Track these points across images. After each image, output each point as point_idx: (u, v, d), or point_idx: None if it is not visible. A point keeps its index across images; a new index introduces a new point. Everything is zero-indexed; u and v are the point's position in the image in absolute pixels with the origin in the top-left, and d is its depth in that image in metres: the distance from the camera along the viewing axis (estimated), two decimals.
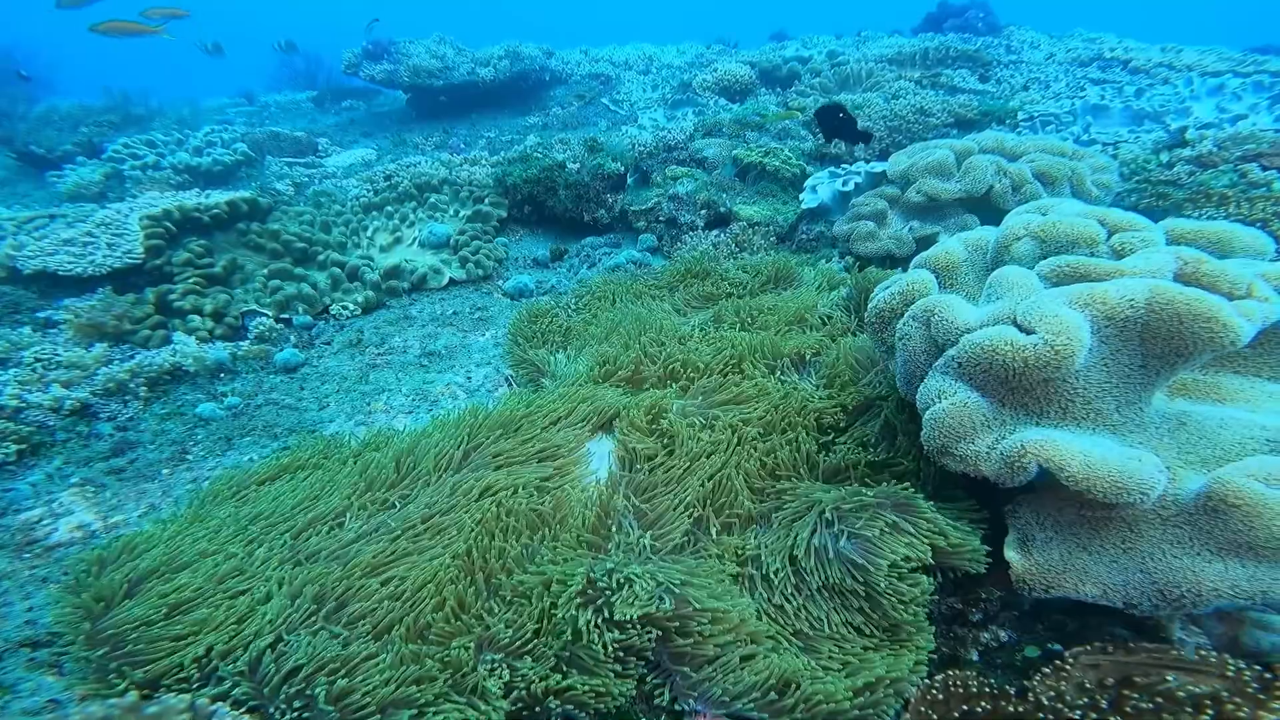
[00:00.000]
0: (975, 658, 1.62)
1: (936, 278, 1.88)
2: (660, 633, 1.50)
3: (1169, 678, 1.41)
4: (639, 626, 1.48)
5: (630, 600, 1.49)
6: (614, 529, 1.82)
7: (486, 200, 4.84)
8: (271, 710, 1.35)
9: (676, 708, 1.47)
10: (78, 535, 2.25)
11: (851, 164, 4.64)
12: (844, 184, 4.15)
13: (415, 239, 4.50)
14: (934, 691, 1.50)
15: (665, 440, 2.11)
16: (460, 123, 7.81)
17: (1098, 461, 1.35)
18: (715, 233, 4.36)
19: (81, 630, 1.49)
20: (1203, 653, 1.47)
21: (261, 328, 3.57)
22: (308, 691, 1.36)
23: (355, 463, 2.13)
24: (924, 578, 1.59)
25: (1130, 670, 1.45)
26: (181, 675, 1.44)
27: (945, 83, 6.60)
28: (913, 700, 1.49)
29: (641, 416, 2.19)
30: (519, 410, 2.25)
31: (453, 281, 4.19)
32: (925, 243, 3.46)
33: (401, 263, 4.17)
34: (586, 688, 1.43)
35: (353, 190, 5.15)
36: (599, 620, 1.49)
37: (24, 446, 2.68)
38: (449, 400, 3.00)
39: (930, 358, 1.67)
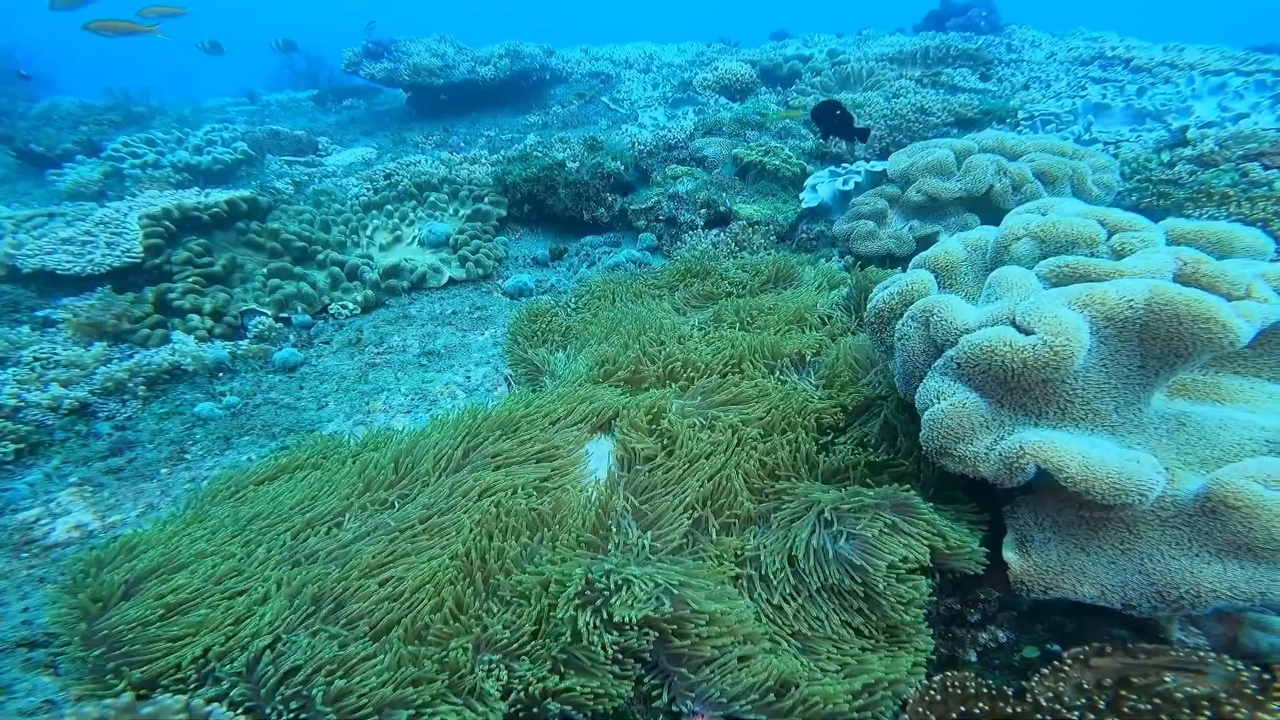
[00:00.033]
0: (973, 658, 1.62)
1: (936, 278, 1.87)
2: (658, 634, 1.50)
3: (1167, 679, 1.40)
4: (637, 628, 1.48)
5: (629, 602, 1.49)
6: (613, 529, 1.82)
7: (486, 199, 4.83)
8: (268, 711, 1.34)
9: (674, 709, 1.47)
10: (75, 535, 2.25)
11: (852, 163, 4.63)
12: (844, 183, 4.14)
13: (415, 238, 4.50)
14: (932, 692, 1.49)
15: (665, 441, 2.11)
16: (460, 121, 7.80)
17: (1096, 463, 1.35)
18: (715, 232, 4.35)
19: (78, 631, 1.49)
20: (1201, 654, 1.47)
21: (261, 327, 3.57)
22: (304, 692, 1.36)
23: (354, 463, 2.12)
24: (922, 579, 1.59)
25: (1128, 671, 1.44)
26: (179, 676, 1.44)
27: (946, 81, 6.59)
28: (911, 701, 1.49)
29: (641, 417, 2.18)
30: (518, 410, 2.24)
31: (452, 280, 4.19)
32: (925, 242, 3.46)
33: (401, 262, 4.17)
34: (585, 689, 1.42)
35: (352, 189, 5.15)
36: (597, 621, 1.48)
37: (22, 446, 2.68)
38: (448, 400, 3.00)
39: (929, 358, 1.67)
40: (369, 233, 4.49)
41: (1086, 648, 1.50)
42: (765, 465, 2.02)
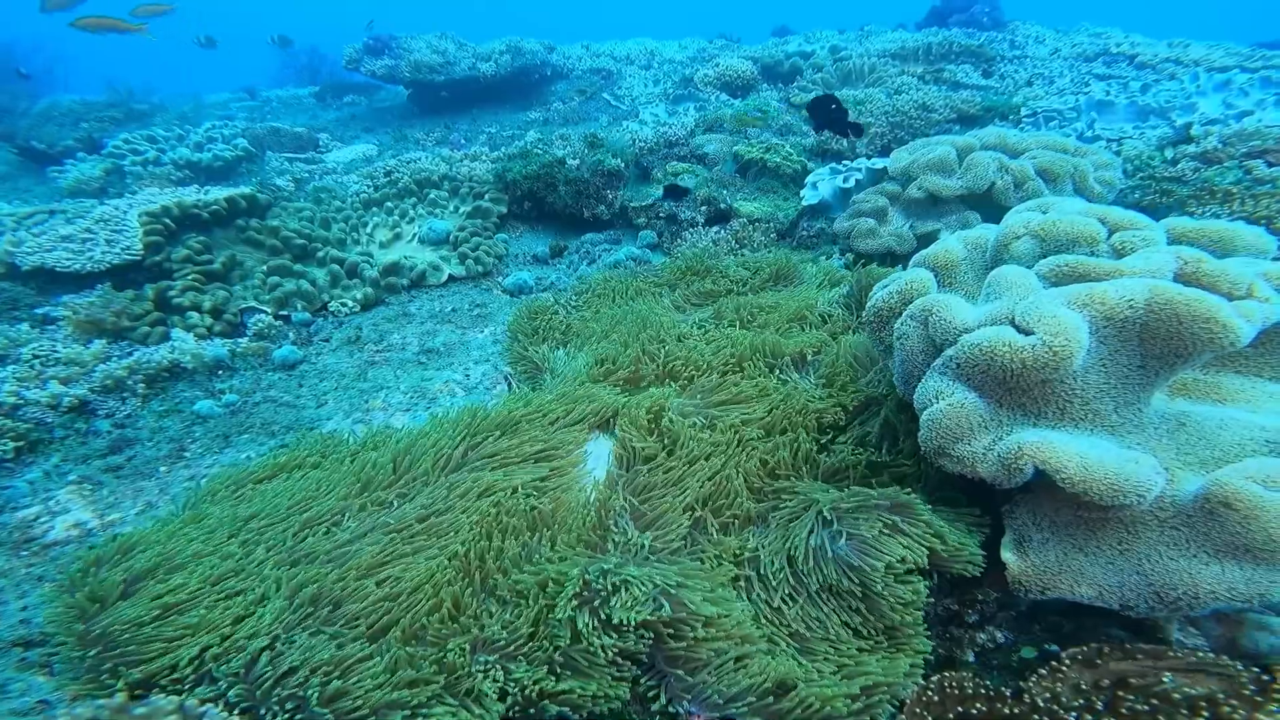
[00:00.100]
0: (971, 659, 1.61)
1: (935, 276, 1.86)
2: (655, 635, 1.50)
3: (1165, 679, 1.40)
4: (635, 630, 1.48)
5: (629, 604, 1.48)
6: (612, 530, 1.82)
7: (486, 196, 4.83)
8: (263, 712, 1.34)
9: (671, 709, 1.47)
10: (74, 533, 2.26)
11: (853, 160, 4.62)
12: (845, 180, 4.13)
13: (415, 235, 4.49)
14: (929, 693, 1.49)
15: (665, 440, 2.10)
16: (461, 118, 7.79)
17: (1094, 463, 1.34)
18: (715, 229, 4.34)
19: (74, 630, 1.49)
20: (1200, 654, 1.46)
21: (260, 325, 3.57)
22: (300, 693, 1.35)
23: (353, 462, 2.12)
24: (920, 580, 1.58)
25: (1126, 672, 1.44)
26: (175, 676, 1.44)
27: (948, 78, 6.56)
28: (908, 702, 1.48)
29: (642, 416, 2.18)
30: (517, 410, 2.24)
31: (452, 278, 4.19)
32: (926, 240, 3.45)
33: (401, 259, 4.16)
34: (584, 691, 1.42)
35: (353, 186, 5.15)
36: (595, 622, 1.48)
37: (22, 444, 2.69)
38: (447, 398, 2.99)
39: (928, 357, 1.66)
40: (369, 230, 4.48)
41: (1084, 648, 1.49)
42: (766, 465, 2.01)
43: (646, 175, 4.95)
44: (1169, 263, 1.53)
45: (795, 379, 2.43)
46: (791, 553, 1.69)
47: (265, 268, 3.90)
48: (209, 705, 1.32)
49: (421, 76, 7.69)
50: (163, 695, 1.34)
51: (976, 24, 9.03)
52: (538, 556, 1.73)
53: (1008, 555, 1.55)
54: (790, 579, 1.66)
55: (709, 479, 1.94)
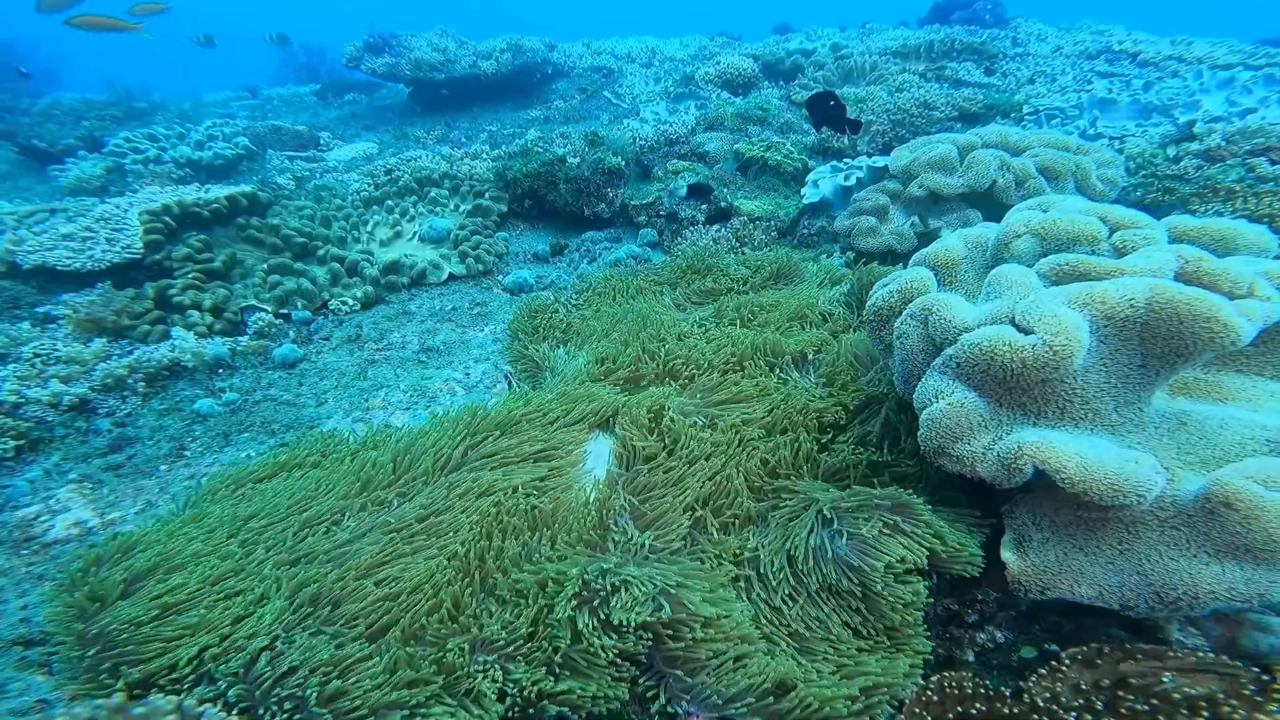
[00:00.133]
0: (971, 659, 1.61)
1: (935, 275, 1.86)
2: (653, 635, 1.49)
3: (1165, 679, 1.39)
4: (634, 631, 1.47)
5: (629, 605, 1.48)
6: (612, 529, 1.81)
7: (487, 195, 4.82)
8: (262, 712, 1.34)
9: (670, 709, 1.46)
10: (74, 532, 2.26)
11: (854, 158, 4.61)
12: (846, 178, 4.12)
13: (415, 234, 4.49)
14: (929, 693, 1.49)
15: (665, 440, 2.10)
16: (462, 116, 7.78)
17: (1094, 463, 1.34)
18: (716, 228, 4.34)
19: (73, 630, 1.49)
20: (1200, 654, 1.46)
21: (260, 323, 3.57)
22: (299, 693, 1.35)
23: (352, 461, 2.12)
24: (920, 581, 1.58)
25: (1126, 672, 1.43)
26: (174, 676, 1.44)
27: (950, 76, 6.55)
28: (908, 702, 1.48)
29: (643, 415, 2.17)
30: (517, 409, 2.24)
31: (452, 276, 4.18)
32: (927, 238, 3.44)
33: (401, 258, 4.16)
34: (583, 691, 1.42)
35: (353, 184, 5.14)
36: (595, 622, 1.48)
37: (22, 442, 2.69)
38: (447, 396, 2.99)
39: (928, 357, 1.66)
40: (369, 228, 4.48)
41: (1084, 648, 1.49)
42: (766, 464, 2.01)
43: (647, 173, 4.94)
44: (1170, 261, 1.53)
45: (796, 378, 2.43)
46: (791, 552, 1.68)
47: (266, 266, 3.90)
48: (207, 705, 1.32)
49: (422, 74, 7.68)
50: (161, 695, 1.34)
51: (979, 21, 9.00)
52: (537, 556, 1.73)
53: (1007, 555, 1.54)
54: (790, 579, 1.66)
55: (709, 479, 1.94)
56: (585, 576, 1.55)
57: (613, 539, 1.78)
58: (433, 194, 4.76)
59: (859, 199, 3.82)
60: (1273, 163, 3.62)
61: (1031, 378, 1.46)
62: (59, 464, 2.63)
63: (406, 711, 1.35)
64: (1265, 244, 1.70)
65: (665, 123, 5.95)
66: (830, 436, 2.11)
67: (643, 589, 1.51)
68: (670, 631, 1.49)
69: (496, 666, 1.46)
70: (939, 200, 3.61)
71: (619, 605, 1.48)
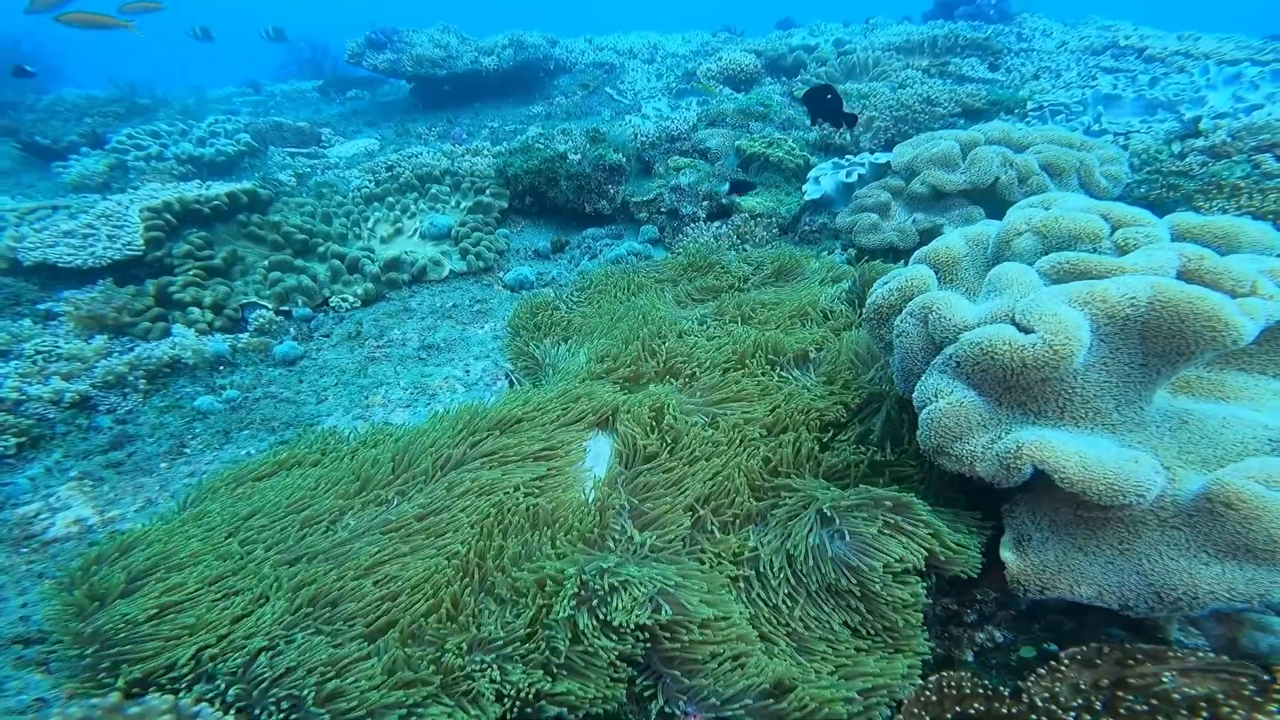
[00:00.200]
0: (970, 658, 1.60)
1: (936, 273, 1.85)
2: (651, 636, 1.49)
3: (1164, 679, 1.39)
4: (633, 632, 1.47)
5: (629, 606, 1.47)
6: (612, 528, 1.81)
7: (488, 191, 4.81)
8: (259, 711, 1.34)
9: (668, 710, 1.46)
10: (74, 530, 2.26)
11: (856, 154, 4.59)
12: (848, 175, 4.10)
13: (416, 230, 4.48)
14: (927, 692, 1.48)
15: (666, 439, 2.09)
16: (464, 112, 7.77)
17: (1093, 463, 1.33)
18: (717, 224, 4.32)
19: (71, 629, 1.49)
20: (1200, 654, 1.45)
21: (261, 320, 3.57)
22: (296, 693, 1.35)
23: (352, 460, 2.12)
24: (919, 582, 1.57)
25: (1125, 671, 1.43)
26: (173, 675, 1.44)
27: (954, 71, 6.51)
28: (906, 701, 1.48)
29: (644, 414, 2.16)
30: (517, 408, 2.23)
31: (453, 273, 4.18)
32: (929, 235, 3.42)
33: (402, 254, 4.16)
34: (582, 692, 1.42)
35: (355, 181, 5.14)
36: (594, 622, 1.47)
37: (24, 439, 2.69)
38: (447, 394, 2.99)
39: (928, 355, 1.65)
40: (370, 225, 4.48)
41: (1084, 648, 1.48)
42: (768, 463, 2.00)
43: (648, 170, 4.92)
44: (1172, 260, 1.51)
45: (796, 376, 2.42)
46: (791, 551, 1.68)
47: (266, 263, 3.90)
48: (203, 704, 1.32)
49: (424, 71, 7.67)
50: (158, 694, 1.34)
51: (983, 16, 8.93)
52: (537, 555, 1.73)
53: (1007, 554, 1.54)
54: (790, 579, 1.65)
55: (710, 478, 1.93)
56: (584, 576, 1.54)
57: (612, 538, 1.78)
58: (434, 190, 4.75)
59: (861, 195, 3.81)
60: (1278, 159, 3.59)
61: (1031, 377, 1.45)
62: (60, 461, 2.63)
63: (404, 711, 1.35)
64: (1269, 242, 1.68)
65: (667, 119, 5.93)
66: (831, 435, 2.10)
67: (642, 589, 1.51)
68: (668, 633, 1.48)
69: (494, 667, 1.46)
70: (941, 197, 3.59)
71: (619, 606, 1.47)
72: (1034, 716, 1.39)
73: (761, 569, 1.69)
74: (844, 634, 1.58)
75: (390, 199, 4.66)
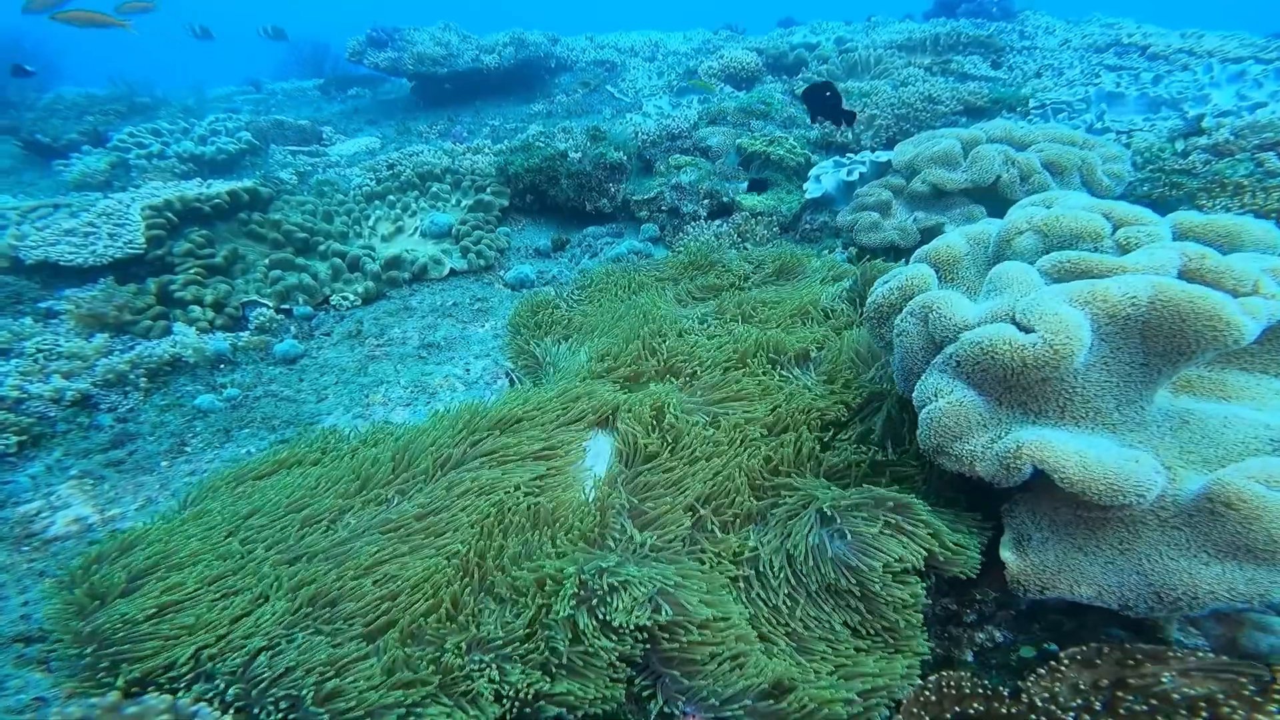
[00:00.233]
0: (970, 658, 1.60)
1: (936, 272, 1.84)
2: (649, 636, 1.49)
3: (1164, 679, 1.38)
4: (633, 632, 1.47)
5: (628, 606, 1.47)
6: (612, 527, 1.81)
7: (489, 189, 4.81)
8: (258, 711, 1.34)
9: (667, 711, 1.46)
10: (74, 528, 2.27)
11: (857, 153, 4.58)
12: (849, 173, 4.09)
13: (417, 228, 4.48)
14: (927, 692, 1.48)
15: (667, 438, 2.09)
16: (465, 110, 7.77)
17: (1093, 463, 1.32)
18: (718, 223, 4.32)
19: (71, 628, 1.49)
20: (1199, 654, 1.45)
21: (262, 318, 3.57)
22: (295, 693, 1.35)
23: (352, 459, 2.12)
24: (918, 582, 1.57)
25: (1125, 671, 1.42)
26: (172, 674, 1.44)
27: (956, 69, 6.49)
28: (905, 701, 1.47)
29: (645, 413, 2.16)
30: (517, 407, 2.23)
31: (453, 272, 4.18)
32: (930, 233, 3.42)
33: (403, 253, 4.16)
34: (581, 693, 1.42)
35: (356, 179, 5.14)
36: (594, 623, 1.47)
37: (24, 438, 2.70)
38: (447, 393, 2.99)
39: (928, 354, 1.64)
40: (371, 223, 4.48)
41: (1083, 648, 1.48)
42: (769, 462, 2.00)
43: (649, 168, 4.92)
44: (1173, 259, 1.51)
45: (797, 375, 2.41)
46: (791, 551, 1.68)
47: (267, 261, 3.90)
48: (201, 704, 1.32)
49: (425, 69, 7.66)
50: (157, 694, 1.35)
51: (985, 14, 8.90)
52: (537, 554, 1.73)
53: (1007, 554, 1.53)
54: (790, 578, 1.65)
55: (710, 478, 1.93)
56: (583, 576, 1.54)
57: (612, 538, 1.78)
58: (434, 189, 4.75)
59: (861, 194, 3.80)
60: None
61: (1032, 376, 1.45)
62: (60, 460, 2.64)
63: (403, 711, 1.35)
64: (1271, 240, 1.68)
65: (668, 117, 5.92)
66: (832, 434, 2.10)
67: (642, 589, 1.51)
68: (667, 633, 1.48)
69: (494, 667, 1.46)
70: (942, 195, 3.58)
71: (618, 606, 1.47)
72: (1034, 716, 1.39)
73: (761, 569, 1.69)
74: (844, 634, 1.57)
75: (391, 197, 4.65)
